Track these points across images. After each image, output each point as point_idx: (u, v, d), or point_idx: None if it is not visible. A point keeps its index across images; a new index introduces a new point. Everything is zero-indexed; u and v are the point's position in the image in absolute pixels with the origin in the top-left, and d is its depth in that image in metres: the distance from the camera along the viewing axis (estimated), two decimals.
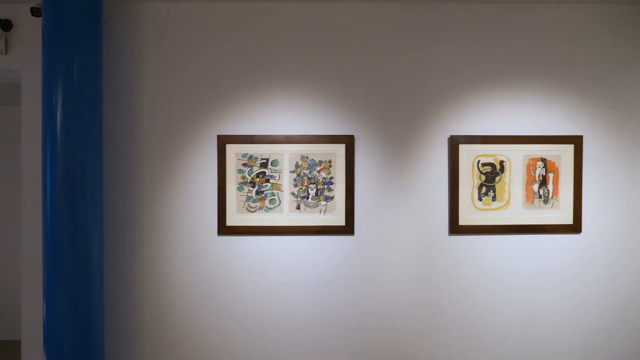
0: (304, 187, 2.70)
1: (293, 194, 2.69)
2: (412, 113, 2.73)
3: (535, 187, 2.75)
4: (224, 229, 2.68)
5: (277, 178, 2.70)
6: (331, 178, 2.70)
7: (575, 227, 2.75)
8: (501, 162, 2.74)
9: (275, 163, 2.69)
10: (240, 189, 2.69)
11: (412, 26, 2.74)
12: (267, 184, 2.69)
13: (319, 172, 2.70)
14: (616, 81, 2.78)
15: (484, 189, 2.73)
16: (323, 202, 2.70)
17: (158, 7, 2.69)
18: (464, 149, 2.72)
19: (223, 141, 2.68)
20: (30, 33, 2.64)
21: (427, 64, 2.73)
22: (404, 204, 2.72)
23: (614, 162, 2.77)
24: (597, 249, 2.77)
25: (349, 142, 2.69)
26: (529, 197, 2.74)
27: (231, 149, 2.68)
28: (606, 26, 2.78)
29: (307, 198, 2.69)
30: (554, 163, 2.75)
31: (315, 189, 2.69)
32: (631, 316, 2.77)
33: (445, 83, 2.73)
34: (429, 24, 2.74)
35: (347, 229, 2.69)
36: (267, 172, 2.69)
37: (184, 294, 2.69)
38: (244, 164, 2.69)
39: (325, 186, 2.70)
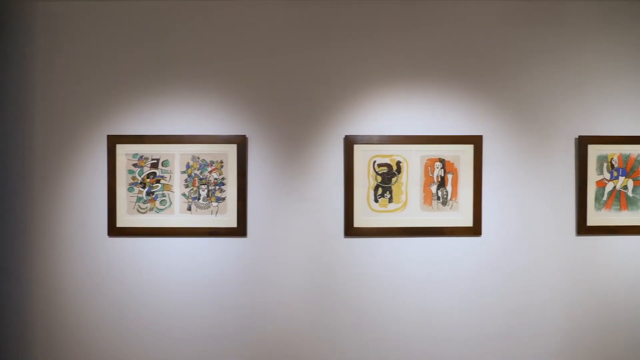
0: (195, 188, 2.65)
1: (184, 194, 2.65)
2: (306, 112, 2.67)
3: (434, 188, 2.67)
4: (114, 230, 2.64)
5: (167, 179, 2.65)
6: (223, 179, 2.65)
7: (475, 230, 2.67)
8: (398, 163, 2.67)
9: (165, 163, 2.65)
10: (130, 189, 2.65)
11: (307, 25, 2.68)
12: (157, 184, 2.65)
13: (210, 172, 2.65)
14: (518, 81, 2.70)
15: (380, 190, 2.67)
16: (215, 203, 2.65)
17: (52, 5, 2.65)
18: (359, 149, 2.66)
19: (113, 141, 2.64)
20: None
21: (323, 63, 2.67)
22: (298, 205, 2.66)
23: (514, 163, 2.69)
24: (497, 252, 2.69)
25: (240, 142, 2.64)
26: (427, 198, 2.67)
27: (121, 149, 2.64)
28: (510, 24, 2.70)
29: (199, 199, 2.65)
30: (452, 164, 2.68)
31: (206, 190, 2.65)
32: (528, 320, 2.69)
33: (340, 82, 2.67)
34: (323, 22, 2.68)
35: (239, 230, 2.64)
36: (158, 172, 2.65)
37: (75, 294, 2.65)
38: (135, 165, 2.65)
39: (217, 187, 2.65)
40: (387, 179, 2.67)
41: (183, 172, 2.65)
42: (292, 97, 2.66)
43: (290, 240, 2.66)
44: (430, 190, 2.67)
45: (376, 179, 2.66)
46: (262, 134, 2.66)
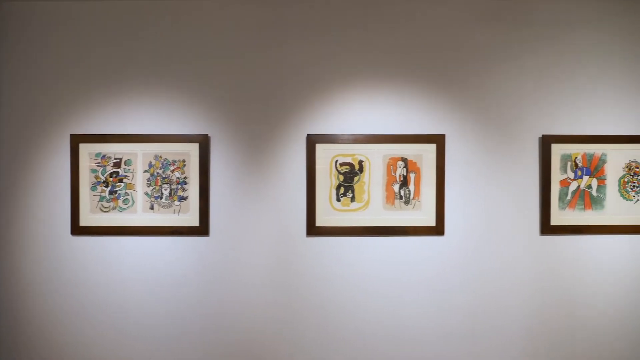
0: (157, 187, 2.66)
1: (147, 193, 2.66)
2: (269, 112, 2.67)
3: (396, 187, 2.67)
4: (77, 229, 2.65)
5: (130, 178, 2.66)
6: (185, 178, 2.65)
7: (437, 229, 2.66)
8: (360, 162, 2.66)
9: (128, 162, 2.66)
10: (93, 188, 2.66)
11: (269, 25, 2.68)
12: (120, 183, 2.66)
13: (172, 171, 2.66)
14: (482, 80, 2.69)
15: (342, 190, 2.67)
16: (177, 202, 2.65)
17: (16, 5, 2.66)
18: (321, 149, 2.66)
19: (76, 140, 2.65)
20: None
21: (285, 63, 2.67)
22: (261, 204, 2.66)
23: (477, 162, 2.68)
24: (460, 251, 2.68)
25: (202, 142, 2.64)
26: (390, 197, 2.67)
27: (84, 149, 2.65)
28: (474, 22, 2.69)
29: (161, 198, 2.65)
30: (415, 163, 2.67)
31: (169, 189, 2.65)
32: (492, 319, 2.68)
33: (303, 81, 2.67)
34: (286, 22, 2.68)
35: (202, 229, 2.65)
36: (121, 171, 2.66)
37: (38, 292, 2.67)
38: (97, 164, 2.66)
39: (179, 186, 2.65)
40: (349, 178, 2.66)
41: (146, 171, 2.66)
42: (255, 96, 2.67)
43: (253, 239, 2.66)
44: (393, 189, 2.67)
45: (338, 178, 2.66)
46: (224, 133, 2.67)
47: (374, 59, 2.68)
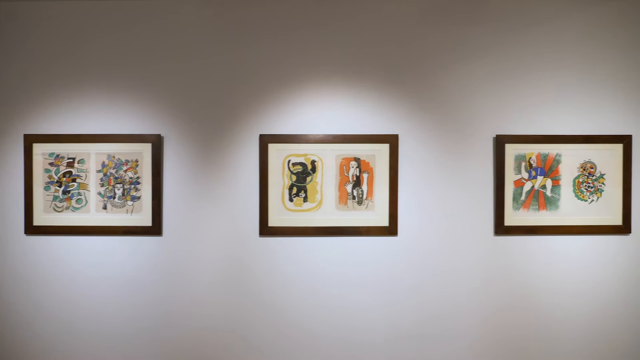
0: (110, 187, 2.66)
1: (100, 193, 2.66)
2: (222, 112, 2.67)
3: (349, 187, 2.66)
4: (30, 229, 2.65)
5: (83, 178, 2.66)
6: (138, 178, 2.66)
7: (390, 229, 2.66)
8: (313, 162, 2.66)
9: (81, 162, 2.66)
10: (47, 188, 2.66)
11: (223, 26, 2.67)
12: (73, 183, 2.66)
13: (125, 171, 2.66)
14: (436, 80, 2.68)
15: (295, 190, 2.66)
16: (130, 202, 2.66)
17: None
18: (273, 149, 2.65)
19: (29, 140, 2.65)
20: None
21: (238, 63, 2.67)
22: (214, 204, 2.66)
23: (431, 162, 2.68)
24: (413, 251, 2.68)
25: (155, 142, 2.64)
26: (342, 198, 2.66)
27: (38, 149, 2.66)
28: (428, 22, 2.68)
29: (114, 198, 2.66)
30: (368, 163, 2.67)
31: (122, 189, 2.66)
32: (445, 320, 2.68)
33: (256, 82, 2.66)
34: (239, 23, 2.67)
35: (154, 229, 2.65)
36: (74, 171, 2.66)
37: None
38: (51, 164, 2.66)
39: (132, 186, 2.66)
40: (301, 178, 2.66)
41: (99, 171, 2.66)
42: (208, 97, 2.66)
43: (206, 239, 2.67)
44: (346, 189, 2.66)
45: (291, 178, 2.66)
46: (178, 133, 2.67)
47: (327, 59, 2.67)
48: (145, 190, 2.65)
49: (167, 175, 2.67)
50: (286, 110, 2.67)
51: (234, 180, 2.67)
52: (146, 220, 2.65)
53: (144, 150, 2.65)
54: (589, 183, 2.69)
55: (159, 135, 2.65)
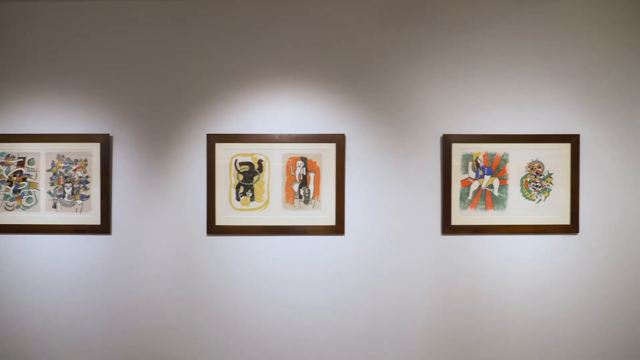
0: (60, 186, 2.69)
1: (50, 192, 2.69)
2: (170, 112, 2.69)
3: (296, 187, 2.68)
4: None
5: (33, 177, 2.69)
6: (87, 177, 2.69)
7: (337, 229, 2.67)
8: (259, 162, 2.68)
9: (31, 162, 2.69)
10: None
11: (171, 26, 2.70)
12: (24, 182, 2.69)
13: (75, 170, 2.69)
14: (383, 80, 2.69)
15: (242, 189, 2.68)
16: (79, 201, 2.69)
17: None
18: (221, 148, 2.67)
19: None
20: None
21: (187, 63, 2.69)
22: (163, 203, 2.69)
23: (378, 162, 2.69)
24: (360, 251, 2.69)
25: (104, 141, 2.67)
26: (289, 197, 2.68)
27: None
28: (376, 22, 2.69)
29: (64, 197, 2.69)
30: (315, 162, 2.68)
31: (71, 188, 2.69)
32: (392, 319, 2.69)
33: (204, 82, 2.68)
34: (187, 23, 2.69)
35: (103, 228, 2.68)
36: (24, 170, 2.69)
37: None
38: (2, 163, 2.69)
39: (82, 185, 2.69)
40: (248, 178, 2.68)
41: (49, 171, 2.69)
42: (156, 97, 2.69)
43: (155, 238, 2.69)
44: (293, 188, 2.68)
45: (238, 177, 2.68)
46: (127, 133, 2.69)
47: (275, 59, 2.69)
48: (94, 189, 2.68)
49: (116, 174, 2.70)
50: (233, 110, 2.69)
51: (182, 179, 2.69)
52: (95, 219, 2.68)
53: (93, 150, 2.68)
54: (537, 182, 2.69)
55: (108, 135, 2.67)
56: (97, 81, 2.69)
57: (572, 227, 2.68)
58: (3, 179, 2.69)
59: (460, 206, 2.69)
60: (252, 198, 2.68)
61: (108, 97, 2.69)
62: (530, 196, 2.69)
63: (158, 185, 2.69)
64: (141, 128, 2.69)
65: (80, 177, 2.68)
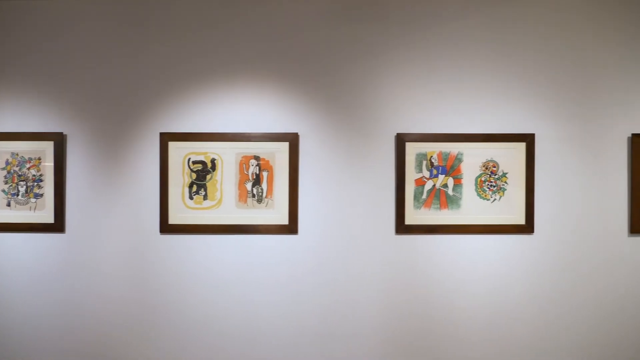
0: (14, 184, 2.69)
1: (3, 191, 2.69)
2: (124, 111, 2.69)
3: (249, 185, 2.67)
4: None
5: None
6: (41, 175, 2.69)
7: (290, 228, 2.66)
8: (213, 160, 2.67)
9: None
10: None
11: (125, 25, 2.70)
12: None
13: (28, 169, 2.69)
14: (337, 78, 2.68)
15: (195, 188, 2.68)
16: (33, 200, 2.69)
17: None
18: (174, 147, 2.67)
19: None
20: None
21: (141, 61, 2.69)
22: (117, 202, 2.69)
23: (332, 161, 2.68)
24: (314, 250, 2.68)
25: (58, 140, 2.67)
26: (242, 196, 2.67)
27: None
28: (330, 21, 2.68)
29: (18, 195, 2.69)
30: (268, 161, 2.67)
31: (25, 186, 2.69)
32: (346, 319, 2.67)
33: (158, 79, 2.68)
34: (141, 22, 2.69)
35: (57, 226, 2.68)
36: None
37: None
38: None
39: (35, 183, 2.69)
40: (201, 177, 2.68)
41: (2, 169, 2.69)
42: (110, 95, 2.69)
43: (108, 236, 2.69)
44: (246, 187, 2.67)
45: (191, 176, 2.68)
46: (81, 132, 2.69)
47: (228, 57, 2.68)
48: (48, 187, 2.68)
49: (70, 173, 2.70)
50: (187, 108, 2.69)
51: (136, 178, 2.69)
52: (49, 217, 2.68)
53: (47, 148, 2.68)
54: (492, 182, 2.67)
55: (62, 133, 2.68)
56: (52, 80, 2.69)
57: (527, 227, 2.66)
58: None
59: (414, 206, 2.67)
60: (205, 197, 2.67)
61: (62, 96, 2.69)
62: (485, 196, 2.67)
63: (112, 183, 2.69)
64: (95, 127, 2.69)
65: (34, 175, 2.69)
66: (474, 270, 2.68)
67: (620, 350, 2.68)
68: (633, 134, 2.66)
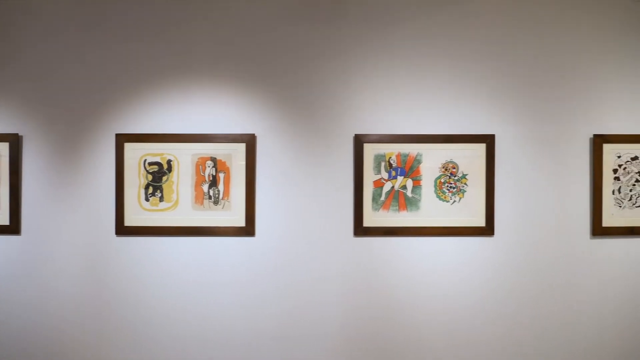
0: None
1: None
2: (80, 112, 2.66)
3: (205, 187, 2.64)
4: None
5: None
6: None
7: (247, 230, 2.63)
8: (169, 162, 2.64)
9: None
10: None
11: (83, 23, 2.67)
12: None
13: None
14: (295, 78, 2.65)
15: (151, 189, 2.65)
16: None
17: None
18: (130, 148, 2.64)
19: None
20: None
21: (97, 62, 2.66)
22: (74, 203, 2.66)
23: (290, 162, 2.65)
24: (271, 252, 2.65)
25: (13, 141, 2.65)
26: (199, 197, 2.64)
27: None
28: (287, 19, 2.65)
29: None
30: (224, 162, 2.64)
31: None
32: (305, 321, 2.64)
33: (114, 80, 2.66)
34: (100, 20, 2.66)
35: (13, 228, 2.65)
36: None
37: None
38: None
39: None
40: (157, 178, 2.65)
41: None
42: (66, 96, 2.66)
43: (65, 238, 2.66)
44: (202, 189, 2.64)
45: (147, 177, 2.65)
46: (36, 133, 2.67)
47: (185, 58, 2.65)
48: (3, 189, 2.66)
49: (25, 174, 2.67)
50: (143, 109, 2.66)
51: (92, 179, 2.66)
52: (4, 219, 2.66)
53: (2, 150, 2.66)
54: (451, 183, 2.64)
55: (17, 134, 2.65)
56: (6, 81, 2.67)
57: (488, 229, 2.63)
58: None
59: (372, 207, 2.64)
60: (162, 198, 2.65)
61: (18, 96, 2.67)
62: (445, 197, 2.64)
63: (68, 185, 2.66)
64: (51, 128, 2.67)
65: None
66: (433, 273, 2.64)
67: (579, 351, 2.65)
68: (595, 135, 2.62)
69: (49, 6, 2.67)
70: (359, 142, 2.62)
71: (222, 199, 2.64)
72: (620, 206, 2.63)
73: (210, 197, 2.64)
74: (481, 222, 2.64)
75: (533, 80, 2.64)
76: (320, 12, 2.65)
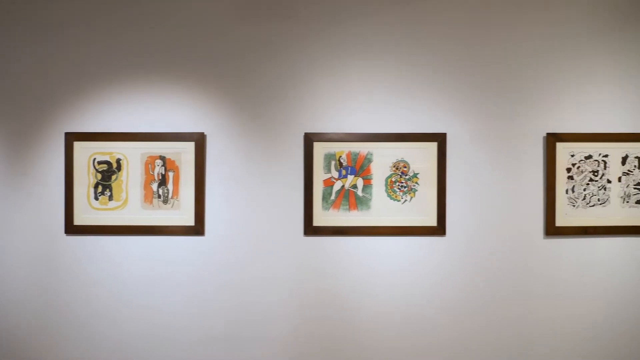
0: None
1: None
2: (30, 110, 2.65)
3: (155, 186, 2.63)
4: None
5: None
6: None
7: (196, 229, 2.62)
8: (118, 160, 2.63)
9: None
10: None
11: (33, 19, 2.66)
12: None
13: None
14: (245, 78, 2.63)
15: (100, 188, 2.64)
16: None
17: None
18: (79, 146, 2.63)
19: None
20: None
21: (46, 59, 2.65)
22: (21, 202, 2.65)
23: (239, 161, 2.63)
24: (220, 251, 2.63)
25: None
26: (148, 196, 2.63)
27: None
28: (236, 18, 2.63)
29: None
30: (174, 161, 2.63)
31: None
32: (253, 321, 2.62)
33: (63, 77, 2.64)
34: (46, 21, 2.65)
35: None
36: None
37: None
38: None
39: None
40: (107, 177, 2.64)
41: None
42: (13, 93, 2.65)
43: (12, 237, 2.65)
44: (152, 188, 2.63)
45: (96, 176, 2.64)
46: None
47: (134, 57, 2.64)
48: None
49: None
50: (92, 108, 2.65)
51: (41, 178, 2.65)
52: None
53: None
54: (402, 183, 2.61)
55: None
56: None
57: (439, 229, 2.60)
58: None
59: (322, 207, 2.62)
60: (111, 197, 2.64)
61: None
62: (396, 197, 2.61)
63: (16, 184, 2.66)
64: None
65: None
66: (384, 273, 2.62)
67: (531, 351, 2.61)
68: (548, 134, 2.59)
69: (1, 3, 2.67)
70: (309, 140, 2.60)
71: (172, 198, 2.63)
72: (574, 205, 2.60)
73: (159, 196, 2.63)
74: (433, 221, 2.61)
75: (485, 78, 2.61)
76: (270, 11, 2.63)
